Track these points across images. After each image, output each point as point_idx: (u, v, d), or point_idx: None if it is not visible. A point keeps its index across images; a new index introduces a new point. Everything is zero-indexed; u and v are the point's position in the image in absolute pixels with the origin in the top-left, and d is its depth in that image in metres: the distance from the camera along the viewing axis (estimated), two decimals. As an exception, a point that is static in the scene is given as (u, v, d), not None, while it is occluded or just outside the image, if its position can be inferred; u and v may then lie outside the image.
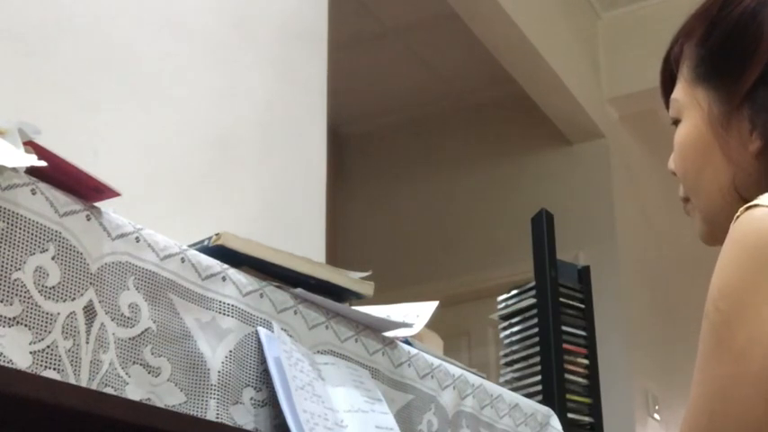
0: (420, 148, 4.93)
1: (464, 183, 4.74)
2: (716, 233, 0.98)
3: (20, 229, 0.86)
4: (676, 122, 1.05)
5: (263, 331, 1.12)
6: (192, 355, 1.02)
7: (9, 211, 0.85)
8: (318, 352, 1.21)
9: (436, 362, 1.44)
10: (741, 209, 0.85)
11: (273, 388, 1.08)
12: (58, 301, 0.88)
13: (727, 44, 1.00)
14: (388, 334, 1.35)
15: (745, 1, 0.99)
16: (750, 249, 0.82)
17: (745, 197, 0.94)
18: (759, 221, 0.83)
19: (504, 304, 2.59)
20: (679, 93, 1.05)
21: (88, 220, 0.93)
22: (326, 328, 1.23)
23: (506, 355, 2.53)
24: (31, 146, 0.91)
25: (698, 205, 1.03)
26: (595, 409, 2.48)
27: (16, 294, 0.84)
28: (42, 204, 0.88)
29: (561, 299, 2.49)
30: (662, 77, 1.09)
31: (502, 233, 4.46)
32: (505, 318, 2.58)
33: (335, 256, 4.29)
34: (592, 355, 2.53)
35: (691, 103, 1.03)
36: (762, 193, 0.87)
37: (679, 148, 1.04)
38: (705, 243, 1.04)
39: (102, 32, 1.78)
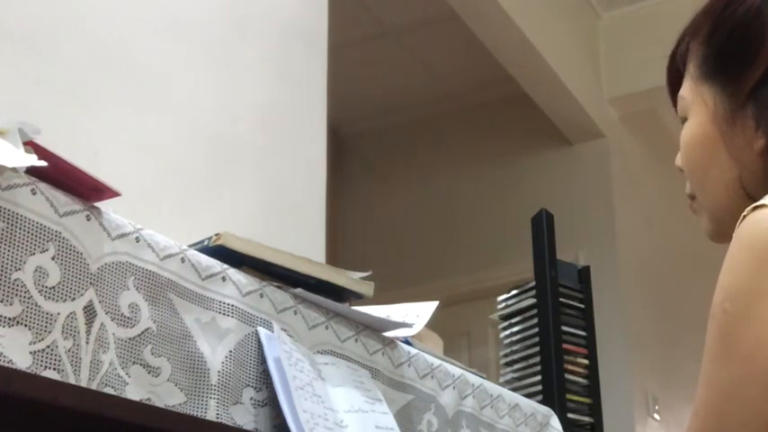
0: (420, 149, 4.93)
1: (464, 183, 4.73)
2: (723, 231, 0.98)
3: (20, 229, 0.86)
4: (684, 120, 1.05)
5: (263, 331, 1.12)
6: (192, 355, 1.02)
7: (9, 211, 0.85)
8: (318, 352, 1.21)
9: (436, 362, 1.44)
10: (747, 209, 0.85)
11: (273, 388, 1.08)
12: (58, 301, 0.88)
13: (732, 42, 1.00)
14: (388, 334, 1.35)
15: None
16: (757, 251, 0.82)
17: (751, 195, 0.94)
18: (765, 222, 0.83)
19: (504, 304, 2.59)
20: (685, 90, 1.05)
21: (88, 220, 0.93)
22: (326, 328, 1.23)
23: (506, 355, 2.53)
24: (31, 146, 0.91)
25: (704, 203, 1.03)
26: (595, 409, 2.48)
27: (16, 294, 0.84)
28: (42, 204, 0.88)
29: (561, 299, 2.49)
30: (668, 75, 1.09)
31: (502, 233, 4.46)
32: (505, 318, 2.58)
33: (335, 256, 4.29)
34: (592, 355, 2.53)
35: (697, 100, 1.03)
36: (767, 191, 0.87)
37: (685, 146, 1.04)
38: (712, 240, 1.04)
39: (103, 32, 1.78)
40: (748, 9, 0.99)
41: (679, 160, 1.06)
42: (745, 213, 0.85)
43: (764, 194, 0.86)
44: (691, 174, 1.04)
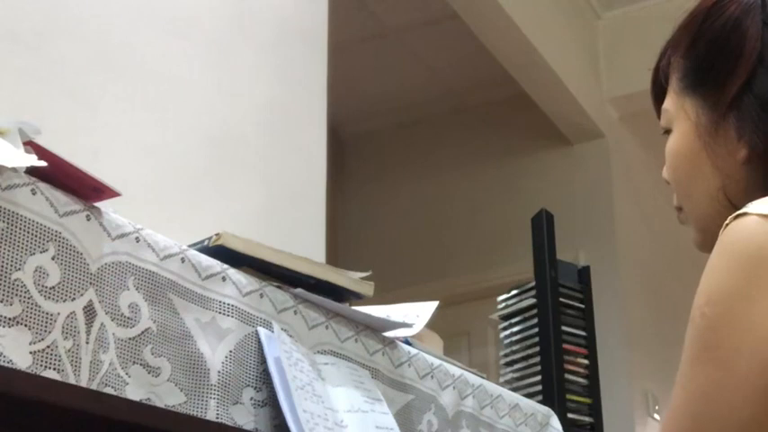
0: (420, 148, 4.93)
1: (464, 183, 4.73)
2: (709, 241, 0.99)
3: (20, 229, 0.86)
4: (668, 132, 1.07)
5: (263, 331, 1.12)
6: (192, 355, 1.02)
7: (9, 211, 0.85)
8: (318, 352, 1.21)
9: (436, 362, 1.44)
10: (730, 217, 0.86)
11: (273, 388, 1.08)
12: (58, 301, 0.88)
13: (711, 54, 1.01)
14: (388, 334, 1.35)
15: (728, 11, 1.00)
16: (738, 257, 0.83)
17: (735, 204, 0.95)
18: (747, 229, 0.84)
19: (504, 304, 2.60)
20: (669, 103, 1.07)
21: (88, 220, 0.93)
22: (326, 328, 1.23)
23: (506, 355, 2.54)
24: (31, 146, 0.90)
25: (691, 214, 1.05)
26: (595, 409, 2.48)
27: (16, 294, 0.84)
28: (42, 204, 0.88)
29: (561, 299, 2.50)
30: (652, 89, 1.11)
31: (502, 233, 4.46)
32: (505, 318, 2.59)
33: (335, 256, 4.29)
34: (592, 355, 2.53)
35: (680, 113, 1.04)
36: (750, 200, 0.88)
37: (670, 158, 1.06)
38: (700, 250, 1.05)
39: (103, 32, 1.78)
40: (726, 21, 1.00)
41: (665, 172, 1.08)
42: (727, 222, 0.86)
43: (747, 204, 0.87)
44: (676, 185, 1.06)
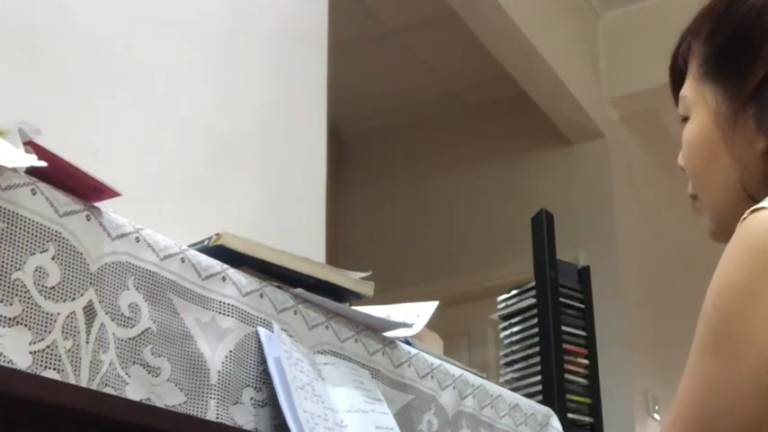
0: (420, 148, 4.93)
1: (464, 183, 4.73)
2: (724, 231, 0.98)
3: (20, 229, 0.86)
4: (685, 119, 1.05)
5: (263, 331, 1.12)
6: (192, 355, 1.02)
7: (9, 211, 0.85)
8: (318, 352, 1.21)
9: (436, 362, 1.44)
10: (747, 211, 0.86)
11: (273, 388, 1.08)
12: (57, 301, 0.88)
13: (733, 42, 1.00)
14: (388, 334, 1.35)
15: None
16: (753, 251, 0.83)
17: (752, 196, 0.94)
18: (764, 225, 0.84)
19: (504, 304, 2.60)
20: (687, 90, 1.05)
21: (88, 220, 0.93)
22: (326, 328, 1.23)
23: (506, 355, 2.54)
24: (31, 146, 0.90)
25: (706, 203, 1.04)
26: (595, 409, 2.48)
27: (16, 294, 0.84)
28: (42, 204, 0.88)
29: (561, 299, 2.50)
30: (671, 74, 1.09)
31: (502, 233, 4.46)
32: (505, 318, 2.59)
33: (335, 256, 4.29)
34: (592, 355, 2.53)
35: (698, 100, 1.03)
36: None
37: (687, 146, 1.04)
38: (713, 240, 1.04)
39: (103, 32, 1.78)
40: (750, 9, 0.99)
41: (681, 159, 1.07)
42: (744, 216, 0.86)
43: (765, 195, 0.87)
44: (692, 174, 1.05)
